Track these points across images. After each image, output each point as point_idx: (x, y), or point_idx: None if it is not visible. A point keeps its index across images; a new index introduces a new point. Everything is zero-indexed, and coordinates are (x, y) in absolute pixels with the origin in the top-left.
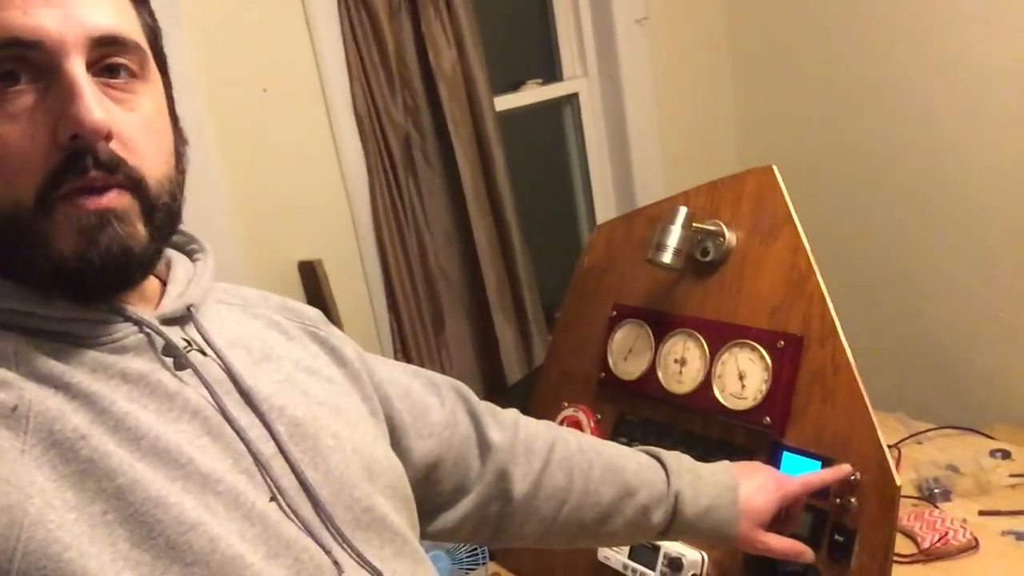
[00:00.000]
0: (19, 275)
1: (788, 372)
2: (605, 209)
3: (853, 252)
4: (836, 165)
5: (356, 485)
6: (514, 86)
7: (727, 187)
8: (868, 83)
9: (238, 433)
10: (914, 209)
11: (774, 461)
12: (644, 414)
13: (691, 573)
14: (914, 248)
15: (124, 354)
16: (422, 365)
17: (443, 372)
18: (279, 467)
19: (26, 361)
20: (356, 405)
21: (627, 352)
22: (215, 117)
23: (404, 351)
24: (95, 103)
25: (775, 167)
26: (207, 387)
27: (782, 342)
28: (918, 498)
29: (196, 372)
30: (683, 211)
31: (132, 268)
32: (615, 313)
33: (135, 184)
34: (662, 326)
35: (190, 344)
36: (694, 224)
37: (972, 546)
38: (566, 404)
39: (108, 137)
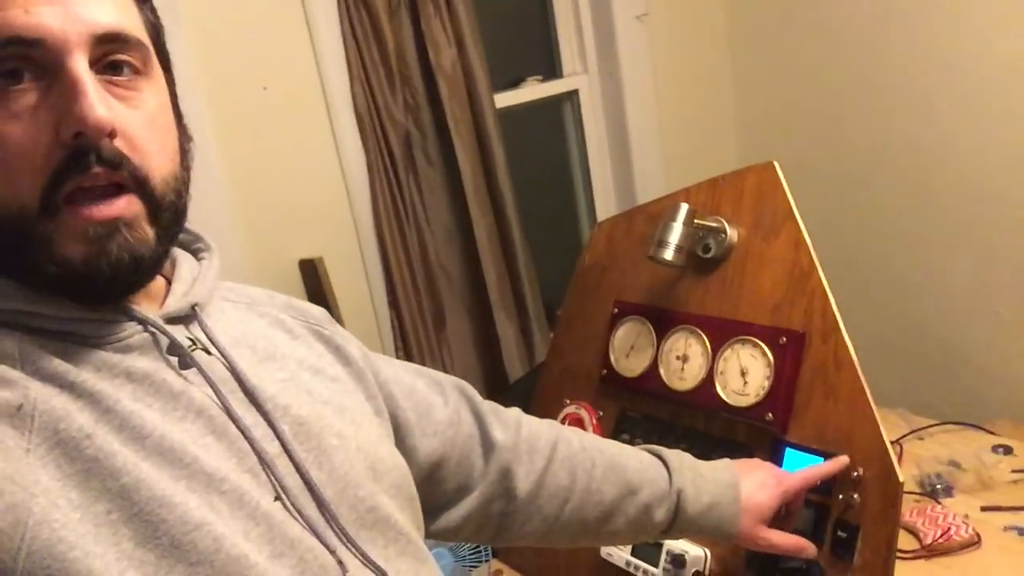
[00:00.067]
0: (24, 276)
1: (790, 368)
2: (606, 206)
3: (854, 248)
4: (836, 161)
5: (360, 484)
6: (514, 83)
7: (728, 183)
8: (868, 79)
9: (242, 432)
10: (915, 205)
11: (776, 458)
12: (646, 411)
13: (694, 570)
14: (915, 244)
15: (129, 353)
16: (423, 363)
17: (444, 370)
18: (283, 466)
19: (31, 360)
20: (360, 404)
21: (629, 349)
22: (215, 116)
23: (405, 349)
24: (98, 100)
25: (776, 163)
26: (211, 386)
27: (784, 338)
28: (920, 494)
29: (201, 371)
30: (684, 208)
31: (141, 273)
32: (616, 310)
33: (140, 182)
34: (664, 323)
35: (195, 343)
36: (695, 221)
37: (974, 542)
38: (568, 401)
39: (112, 135)
